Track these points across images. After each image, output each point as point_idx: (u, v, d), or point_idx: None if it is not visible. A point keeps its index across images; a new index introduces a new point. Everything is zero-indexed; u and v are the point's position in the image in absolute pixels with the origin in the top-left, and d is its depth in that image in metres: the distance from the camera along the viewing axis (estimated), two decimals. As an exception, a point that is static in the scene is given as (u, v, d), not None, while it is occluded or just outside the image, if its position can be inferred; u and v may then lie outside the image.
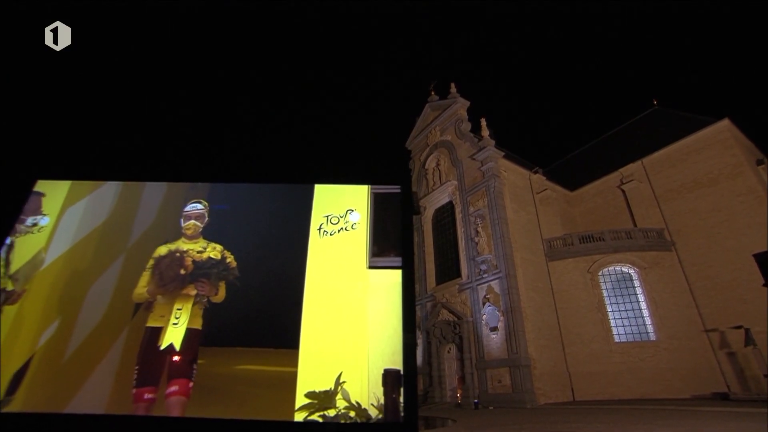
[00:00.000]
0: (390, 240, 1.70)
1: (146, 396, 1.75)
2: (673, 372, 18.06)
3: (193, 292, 2.04)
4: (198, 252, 2.04)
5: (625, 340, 19.50)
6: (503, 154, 22.93)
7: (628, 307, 20.18)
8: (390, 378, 1.35)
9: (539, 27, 67.47)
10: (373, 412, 1.33)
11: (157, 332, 1.92)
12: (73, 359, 1.65)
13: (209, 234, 2.07)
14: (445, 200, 25.41)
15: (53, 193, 1.94)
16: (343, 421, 1.36)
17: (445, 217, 25.33)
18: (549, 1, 56.68)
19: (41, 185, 2.00)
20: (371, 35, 70.52)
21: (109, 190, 1.97)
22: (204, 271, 1.96)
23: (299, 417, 1.38)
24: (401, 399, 1.35)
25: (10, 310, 1.65)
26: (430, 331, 22.46)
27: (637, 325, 19.70)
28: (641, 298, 20.10)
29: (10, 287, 1.79)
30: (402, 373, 1.37)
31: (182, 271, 2.09)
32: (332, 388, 1.39)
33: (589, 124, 71.93)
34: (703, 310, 19.00)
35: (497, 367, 18.45)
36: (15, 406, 1.50)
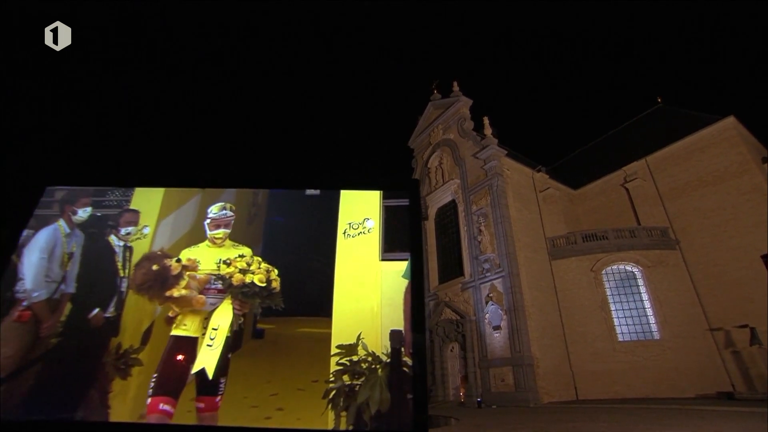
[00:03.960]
0: (397, 239, 2.38)
1: (161, 407, 2.06)
2: (677, 371, 17.98)
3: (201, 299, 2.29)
4: (241, 271, 2.33)
5: (629, 339, 19.42)
6: (506, 152, 22.86)
7: (632, 305, 20.08)
8: (394, 335, 2.06)
9: (543, 25, 67.11)
10: (384, 358, 2.02)
11: (180, 342, 2.25)
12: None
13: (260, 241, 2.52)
14: (447, 199, 25.36)
15: (148, 208, 2.61)
16: (364, 366, 2.03)
17: (447, 215, 25.29)
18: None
19: (136, 201, 2.60)
20: (374, 36, 70.47)
21: (192, 205, 2.59)
22: (249, 299, 2.29)
23: (333, 360, 2.07)
24: (403, 350, 2.02)
25: (133, 293, 2.42)
26: (433, 330, 22.46)
27: (641, 324, 19.61)
28: (645, 296, 20.00)
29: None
30: (403, 332, 2.07)
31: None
32: (355, 342, 2.09)
33: (593, 122, 71.58)
34: (708, 309, 18.90)
35: (500, 366, 18.43)
36: (146, 350, 2.19)
